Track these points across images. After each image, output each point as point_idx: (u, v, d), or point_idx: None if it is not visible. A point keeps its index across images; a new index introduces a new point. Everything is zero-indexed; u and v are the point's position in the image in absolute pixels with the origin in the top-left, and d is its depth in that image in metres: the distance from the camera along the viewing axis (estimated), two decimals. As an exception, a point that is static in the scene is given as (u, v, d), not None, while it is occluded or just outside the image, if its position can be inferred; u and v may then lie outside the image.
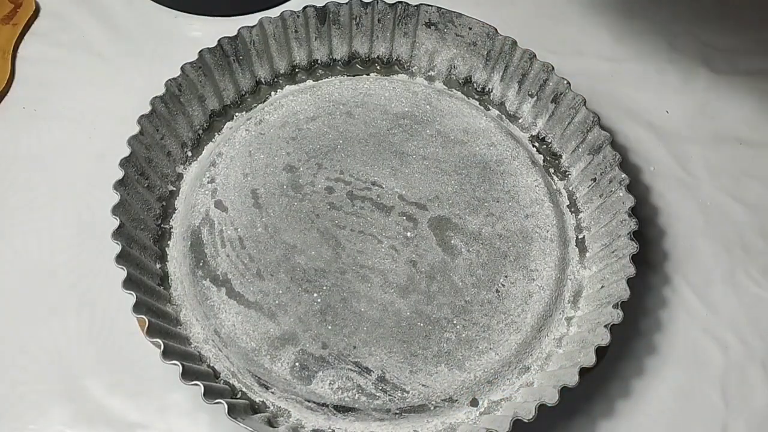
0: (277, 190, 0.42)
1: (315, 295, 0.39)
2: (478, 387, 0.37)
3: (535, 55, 0.44)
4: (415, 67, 0.48)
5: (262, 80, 0.46)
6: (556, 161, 0.45)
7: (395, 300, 0.39)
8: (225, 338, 0.37)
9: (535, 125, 0.46)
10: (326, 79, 0.47)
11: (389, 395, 0.36)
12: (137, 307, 0.34)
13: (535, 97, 0.45)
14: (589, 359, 0.35)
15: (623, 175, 0.41)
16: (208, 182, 0.42)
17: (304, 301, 0.38)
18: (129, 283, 0.35)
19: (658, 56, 0.53)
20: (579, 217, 0.43)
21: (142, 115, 0.40)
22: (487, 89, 0.47)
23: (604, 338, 0.35)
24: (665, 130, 0.49)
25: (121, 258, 0.36)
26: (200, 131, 0.44)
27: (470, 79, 0.47)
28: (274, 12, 0.47)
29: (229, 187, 0.42)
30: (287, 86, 0.47)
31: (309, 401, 0.36)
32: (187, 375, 0.33)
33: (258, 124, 0.44)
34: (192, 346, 0.37)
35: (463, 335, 0.38)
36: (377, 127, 0.45)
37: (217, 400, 0.33)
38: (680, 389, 0.40)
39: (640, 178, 0.47)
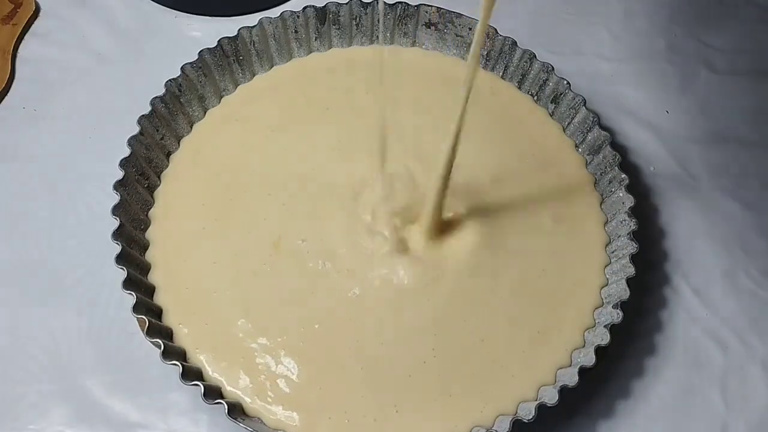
0: (277, 190, 0.42)
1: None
2: (478, 387, 0.37)
3: (535, 55, 0.44)
4: (415, 67, 0.48)
5: (262, 80, 0.46)
6: (556, 161, 0.45)
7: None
8: (225, 338, 0.37)
9: (535, 125, 0.46)
10: (326, 79, 0.47)
11: (389, 395, 0.36)
12: (137, 307, 0.34)
13: (535, 98, 0.45)
14: (589, 359, 0.35)
15: (623, 175, 0.41)
16: (208, 182, 0.42)
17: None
18: (129, 283, 0.35)
19: (658, 56, 0.53)
20: (579, 217, 0.43)
21: (142, 115, 0.40)
22: (487, 89, 0.47)
23: (604, 338, 0.35)
24: (665, 130, 0.49)
25: (121, 258, 0.36)
26: (200, 131, 0.44)
27: (470, 79, 0.47)
28: (274, 12, 0.47)
29: (229, 187, 0.42)
30: (287, 86, 0.47)
31: (309, 401, 0.36)
32: (187, 375, 0.33)
33: (258, 124, 0.44)
34: (192, 346, 0.37)
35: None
36: (377, 127, 0.45)
37: (217, 400, 0.33)
38: (680, 389, 0.40)
39: (640, 178, 0.47)
